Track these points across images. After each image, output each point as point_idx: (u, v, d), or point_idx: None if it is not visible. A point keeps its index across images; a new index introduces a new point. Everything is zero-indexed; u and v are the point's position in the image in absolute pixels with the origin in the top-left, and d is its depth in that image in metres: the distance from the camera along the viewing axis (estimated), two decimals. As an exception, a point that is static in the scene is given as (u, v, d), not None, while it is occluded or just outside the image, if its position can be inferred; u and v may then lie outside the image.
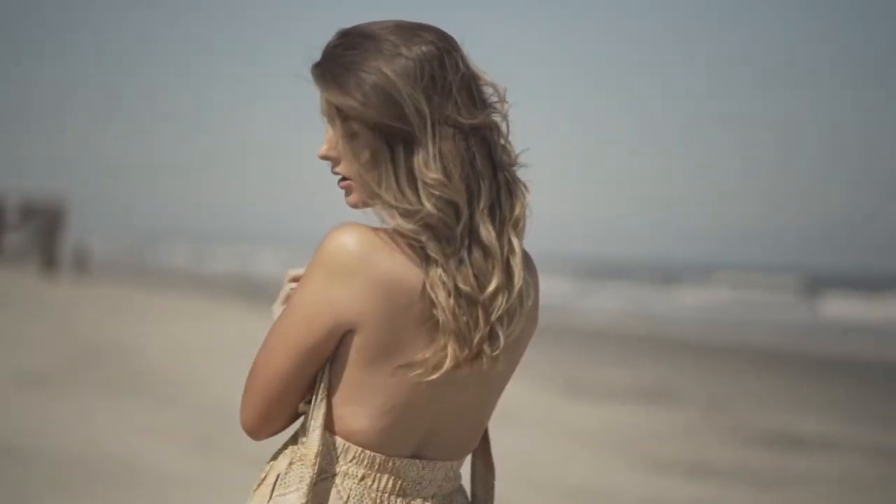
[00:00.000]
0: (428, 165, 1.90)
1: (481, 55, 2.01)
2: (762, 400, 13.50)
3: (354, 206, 1.99)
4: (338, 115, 1.95)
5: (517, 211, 1.95)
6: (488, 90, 1.97)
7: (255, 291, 32.24)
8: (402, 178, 1.91)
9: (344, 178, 1.98)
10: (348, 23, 2.03)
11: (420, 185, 1.90)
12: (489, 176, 1.93)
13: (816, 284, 49.66)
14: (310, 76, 1.99)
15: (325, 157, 1.99)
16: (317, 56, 1.99)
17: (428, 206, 1.89)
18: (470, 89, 1.95)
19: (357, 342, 1.90)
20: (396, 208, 1.90)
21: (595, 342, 21.75)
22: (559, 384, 13.75)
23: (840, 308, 37.46)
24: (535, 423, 10.60)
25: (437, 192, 1.90)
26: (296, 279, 2.09)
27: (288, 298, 2.03)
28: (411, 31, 1.97)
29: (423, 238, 1.90)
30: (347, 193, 1.99)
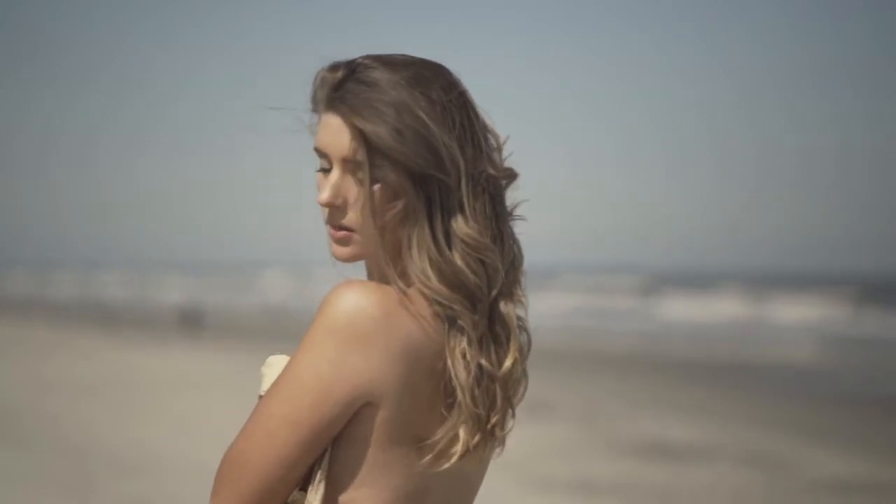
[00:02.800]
0: (468, 223, 1.73)
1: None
2: (629, 408, 13.65)
3: (347, 259, 1.79)
4: (368, 157, 1.73)
5: (519, 270, 1.82)
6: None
7: (107, 317, 31.28)
8: (440, 236, 1.72)
9: (341, 227, 1.78)
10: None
11: (457, 245, 1.73)
12: (507, 234, 1.79)
13: (657, 285, 50.77)
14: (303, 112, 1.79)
15: (329, 205, 1.77)
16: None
17: (466, 268, 1.72)
18: (488, 139, 1.80)
19: (375, 417, 1.70)
20: (434, 269, 1.72)
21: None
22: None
23: (682, 308, 38.36)
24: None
25: (476, 255, 1.73)
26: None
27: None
28: (429, 68, 1.78)
29: (457, 305, 1.72)
30: (344, 244, 1.78)
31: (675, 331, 29.08)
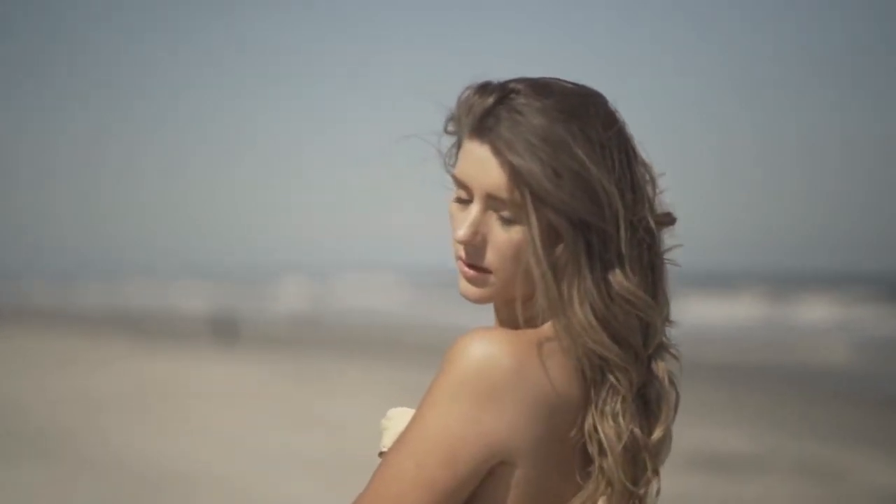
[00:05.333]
0: (627, 277, 1.60)
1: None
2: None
3: (477, 300, 1.65)
4: (522, 198, 1.58)
5: (669, 322, 1.68)
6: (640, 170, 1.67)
7: (133, 326, 31.05)
8: (602, 287, 1.59)
9: (476, 267, 1.64)
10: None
11: (617, 299, 1.59)
12: (662, 287, 1.65)
13: (673, 285, 50.38)
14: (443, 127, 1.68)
15: (467, 243, 1.63)
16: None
17: (627, 324, 1.60)
18: (646, 179, 1.65)
19: (511, 476, 1.58)
20: (600, 321, 1.58)
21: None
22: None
23: (705, 309, 38.08)
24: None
25: (634, 311, 1.60)
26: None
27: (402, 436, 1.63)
28: (588, 99, 1.63)
29: (620, 361, 1.59)
30: (477, 284, 1.64)
31: (700, 333, 28.80)
